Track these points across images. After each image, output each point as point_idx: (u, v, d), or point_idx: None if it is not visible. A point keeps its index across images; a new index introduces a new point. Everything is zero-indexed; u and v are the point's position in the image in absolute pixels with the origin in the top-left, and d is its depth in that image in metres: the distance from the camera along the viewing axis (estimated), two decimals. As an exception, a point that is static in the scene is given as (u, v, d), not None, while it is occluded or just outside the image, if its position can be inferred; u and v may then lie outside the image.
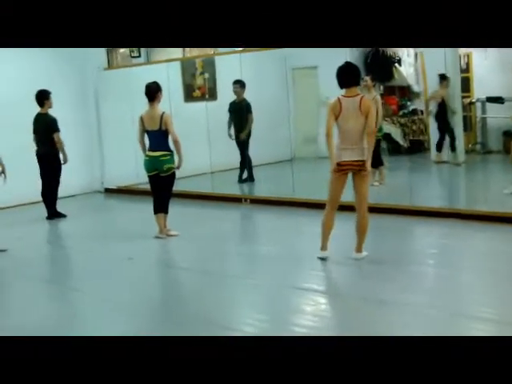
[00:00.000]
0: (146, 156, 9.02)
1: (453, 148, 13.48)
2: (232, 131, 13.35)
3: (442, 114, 13.56)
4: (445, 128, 13.57)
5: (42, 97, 11.08)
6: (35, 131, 11.17)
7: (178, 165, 9.01)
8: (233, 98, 13.31)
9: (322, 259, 7.51)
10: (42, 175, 11.29)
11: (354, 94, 7.29)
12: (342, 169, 7.29)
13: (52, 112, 11.11)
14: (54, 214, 11.40)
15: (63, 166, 11.22)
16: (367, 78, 12.53)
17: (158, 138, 8.92)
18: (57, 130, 10.98)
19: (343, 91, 7.38)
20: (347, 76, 7.34)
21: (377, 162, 12.07)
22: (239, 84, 13.09)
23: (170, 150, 8.95)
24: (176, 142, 8.87)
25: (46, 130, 11.02)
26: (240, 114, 13.08)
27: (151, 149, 8.98)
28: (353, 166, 7.25)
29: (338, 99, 7.30)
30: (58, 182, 11.34)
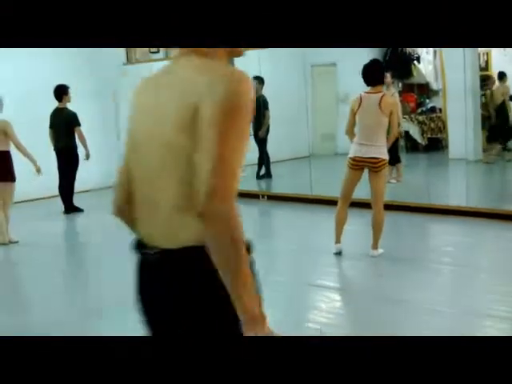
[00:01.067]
0: None
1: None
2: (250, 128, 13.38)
3: (503, 111, 13.54)
4: (504, 126, 13.57)
5: (61, 91, 11.16)
6: (53, 126, 11.25)
7: None
8: (251, 94, 13.33)
9: (337, 253, 7.54)
10: (60, 170, 11.37)
11: (376, 91, 7.34)
12: (356, 164, 7.33)
13: (70, 107, 11.20)
14: (70, 208, 11.47)
15: (84, 161, 11.31)
16: (387, 75, 12.56)
17: None
18: (78, 124, 11.09)
19: (367, 88, 7.43)
20: (372, 74, 7.38)
21: (394, 159, 12.10)
22: (258, 80, 13.11)
23: None
24: None
25: (65, 125, 11.12)
26: (257, 110, 13.10)
27: None
28: (367, 162, 7.27)
29: (360, 95, 7.41)
30: (75, 177, 11.43)
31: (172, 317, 2.32)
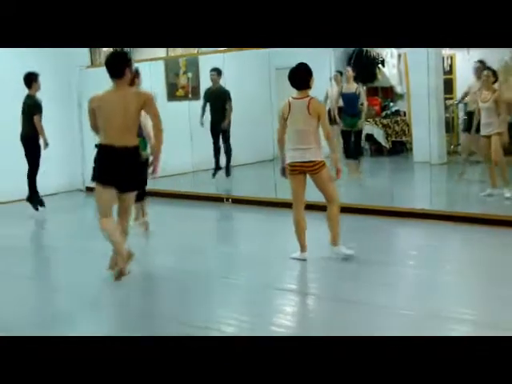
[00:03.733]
0: None
1: None
2: (204, 119, 13.25)
3: None
4: None
5: (30, 79, 11.12)
6: (22, 112, 11.18)
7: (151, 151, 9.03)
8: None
9: (303, 260, 7.55)
10: (26, 157, 11.28)
11: (303, 95, 7.37)
12: (295, 169, 7.40)
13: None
14: (32, 198, 11.38)
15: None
16: (349, 69, 12.77)
17: None
18: (37, 112, 10.99)
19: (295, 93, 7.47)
20: (299, 78, 7.41)
21: (357, 153, 12.29)
22: (216, 71, 13.06)
23: (141, 137, 8.78)
24: (144, 128, 8.78)
25: (27, 112, 11.06)
26: (217, 101, 13.02)
27: None
28: (304, 167, 7.34)
29: (288, 101, 7.46)
30: (36, 166, 11.30)
31: (130, 163, 6.76)
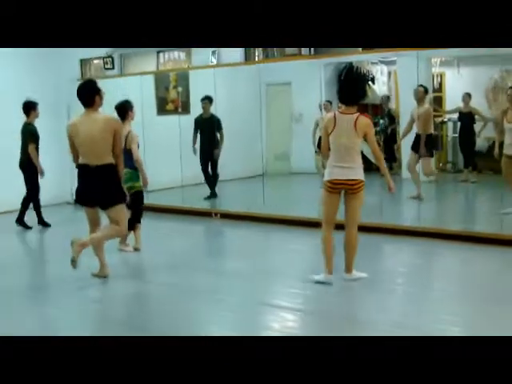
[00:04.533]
0: None
1: None
2: (197, 146, 13.24)
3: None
4: None
5: (29, 107, 11.18)
6: (21, 140, 11.26)
7: (143, 183, 8.97)
8: (205, 112, 13.31)
9: (328, 283, 7.28)
10: (25, 184, 11.33)
11: (351, 111, 7.11)
12: (333, 187, 7.13)
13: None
14: (21, 222, 11.41)
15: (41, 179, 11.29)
16: None
17: (124, 155, 8.89)
18: (31, 141, 11.05)
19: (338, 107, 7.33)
20: (350, 93, 7.18)
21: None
22: (208, 99, 13.07)
23: (132, 168, 8.81)
24: (136, 161, 8.81)
25: (24, 140, 11.09)
26: (208, 129, 13.03)
27: None
28: (345, 185, 7.10)
29: (334, 114, 7.16)
30: (30, 193, 11.32)
31: (105, 179, 7.50)
